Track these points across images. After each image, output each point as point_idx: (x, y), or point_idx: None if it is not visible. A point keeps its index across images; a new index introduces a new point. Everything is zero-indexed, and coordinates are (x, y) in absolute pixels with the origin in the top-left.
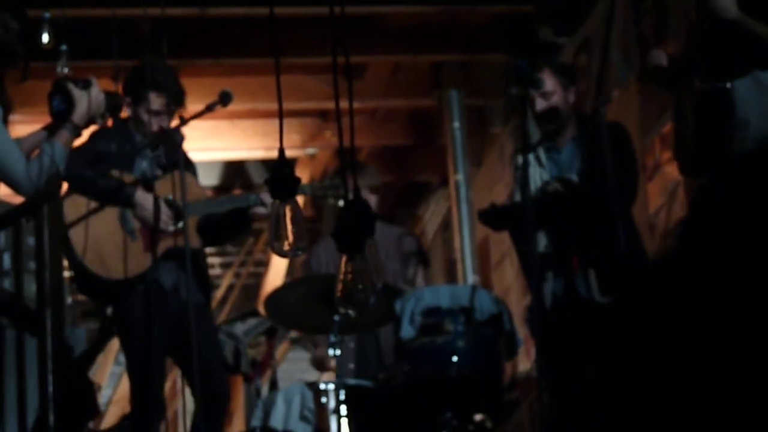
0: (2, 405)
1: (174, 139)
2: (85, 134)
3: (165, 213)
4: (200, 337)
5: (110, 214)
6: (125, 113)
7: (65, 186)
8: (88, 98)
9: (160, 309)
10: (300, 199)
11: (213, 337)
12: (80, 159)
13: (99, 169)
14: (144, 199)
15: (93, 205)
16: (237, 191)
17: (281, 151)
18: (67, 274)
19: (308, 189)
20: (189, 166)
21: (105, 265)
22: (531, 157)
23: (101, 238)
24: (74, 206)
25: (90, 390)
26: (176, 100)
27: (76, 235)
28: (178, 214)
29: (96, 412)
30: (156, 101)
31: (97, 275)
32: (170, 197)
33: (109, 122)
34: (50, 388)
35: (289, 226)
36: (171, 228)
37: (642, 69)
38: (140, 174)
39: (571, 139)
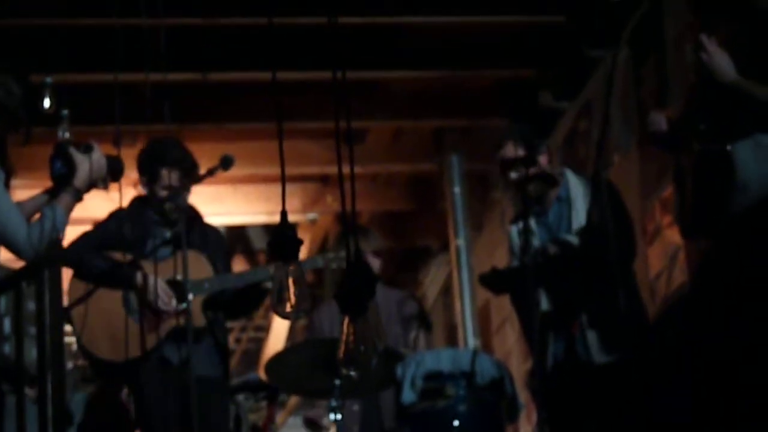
0: None
1: (187, 215)
2: (91, 202)
3: (167, 294)
4: (209, 411)
5: (114, 295)
6: (142, 191)
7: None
8: (89, 162)
9: (169, 384)
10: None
11: (223, 412)
12: (84, 242)
13: (105, 252)
14: (143, 280)
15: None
16: (242, 267)
17: (284, 212)
18: (68, 339)
19: (320, 261)
20: (207, 240)
21: (104, 347)
22: (515, 229)
23: (102, 319)
24: (77, 287)
25: (125, 407)
26: (191, 175)
27: (77, 316)
28: (181, 294)
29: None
30: (171, 177)
31: (94, 356)
32: (176, 277)
33: (115, 190)
34: None
35: (292, 288)
36: (172, 308)
37: (643, 131)
38: (149, 253)
39: (555, 199)
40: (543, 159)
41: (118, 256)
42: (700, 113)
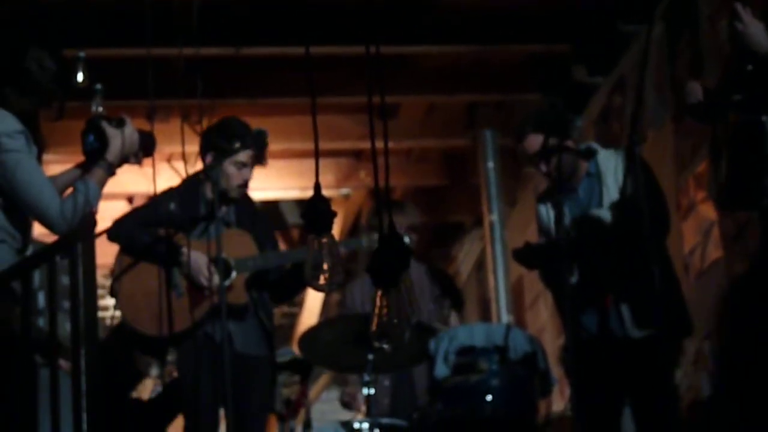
0: None
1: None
2: (123, 177)
3: (207, 270)
4: (250, 390)
5: (158, 271)
6: (177, 162)
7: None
8: (121, 137)
9: (212, 360)
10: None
11: (264, 393)
12: (133, 218)
13: (152, 228)
14: (189, 257)
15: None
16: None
17: (317, 185)
18: (108, 314)
19: (365, 242)
20: (254, 222)
21: (146, 322)
22: (544, 208)
23: (146, 295)
24: (123, 263)
25: (132, 359)
26: (261, 154)
27: (122, 290)
28: (226, 271)
29: (139, 380)
30: (245, 154)
31: (138, 331)
32: (223, 255)
33: (178, 182)
34: (84, 427)
35: (326, 261)
36: (214, 285)
37: (679, 103)
38: (200, 233)
39: (585, 175)
40: (568, 141)
41: (166, 233)
42: (735, 84)
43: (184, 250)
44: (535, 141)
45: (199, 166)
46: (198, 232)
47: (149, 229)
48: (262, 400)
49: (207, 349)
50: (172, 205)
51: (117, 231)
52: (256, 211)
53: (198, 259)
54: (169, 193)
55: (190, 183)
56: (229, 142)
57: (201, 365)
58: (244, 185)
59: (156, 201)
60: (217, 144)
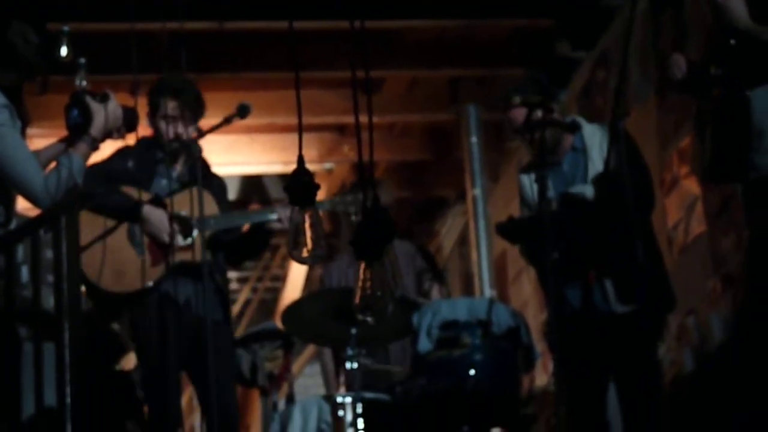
0: (20, 417)
1: (191, 151)
2: (107, 152)
3: (169, 227)
4: (214, 354)
5: (119, 228)
6: (149, 130)
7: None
8: (105, 112)
9: (174, 322)
10: None
11: (227, 355)
12: (92, 175)
13: (111, 185)
14: (151, 214)
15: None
16: (254, 206)
17: (300, 157)
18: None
19: (328, 204)
20: (211, 183)
21: (107, 278)
22: (527, 179)
23: (108, 252)
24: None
25: (116, 331)
26: (190, 105)
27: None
28: (186, 229)
29: (123, 353)
30: (169, 106)
31: (99, 288)
32: (182, 213)
33: (132, 141)
34: (68, 400)
35: (308, 233)
36: (179, 243)
37: (663, 77)
38: (157, 190)
39: (570, 149)
40: (555, 116)
41: (125, 190)
42: (717, 59)
43: (146, 207)
44: (519, 113)
45: None
46: (155, 190)
47: (109, 185)
48: (227, 364)
49: (166, 310)
50: (130, 163)
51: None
52: (211, 174)
53: (159, 215)
54: (125, 150)
55: (146, 143)
56: (152, 96)
57: (159, 325)
58: (176, 139)
59: (113, 158)
60: (149, 100)
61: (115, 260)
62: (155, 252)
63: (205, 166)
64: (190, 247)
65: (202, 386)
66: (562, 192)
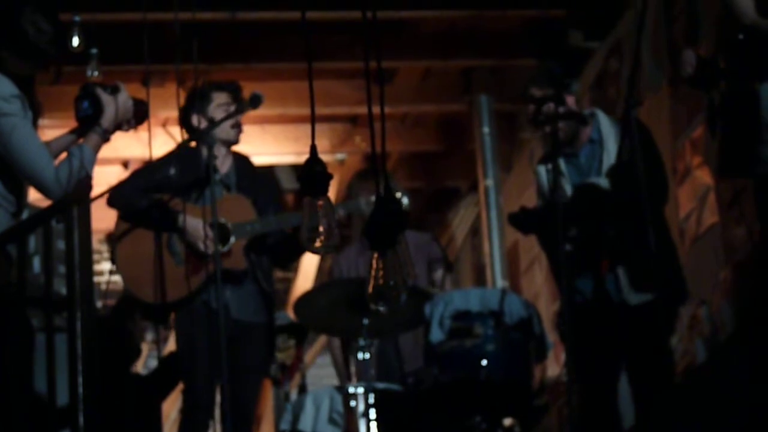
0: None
1: (207, 141)
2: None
3: (208, 236)
4: (246, 356)
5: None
6: (172, 127)
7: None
8: (115, 104)
9: (210, 327)
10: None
11: (261, 360)
12: (132, 183)
13: (150, 194)
14: (188, 223)
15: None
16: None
17: (313, 147)
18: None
19: (363, 204)
20: (255, 184)
21: (146, 289)
22: (543, 170)
23: (146, 262)
24: (122, 229)
25: (131, 334)
26: (237, 95)
27: (121, 260)
28: (223, 236)
29: (138, 355)
30: (220, 96)
31: (138, 298)
32: (220, 220)
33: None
34: (80, 390)
35: (322, 223)
36: (213, 251)
37: (675, 68)
38: (196, 197)
39: (587, 141)
40: (570, 100)
41: (165, 198)
42: (726, 53)
43: (181, 216)
44: (538, 93)
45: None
46: (196, 197)
47: (148, 194)
48: (257, 367)
49: (204, 318)
50: (172, 170)
51: (116, 196)
52: (257, 174)
53: (195, 224)
54: (168, 157)
55: (188, 147)
56: (203, 94)
57: (198, 334)
58: (238, 126)
59: (154, 165)
60: (194, 103)
61: (154, 270)
62: (193, 261)
63: (250, 167)
64: (229, 253)
65: (230, 382)
66: (577, 183)
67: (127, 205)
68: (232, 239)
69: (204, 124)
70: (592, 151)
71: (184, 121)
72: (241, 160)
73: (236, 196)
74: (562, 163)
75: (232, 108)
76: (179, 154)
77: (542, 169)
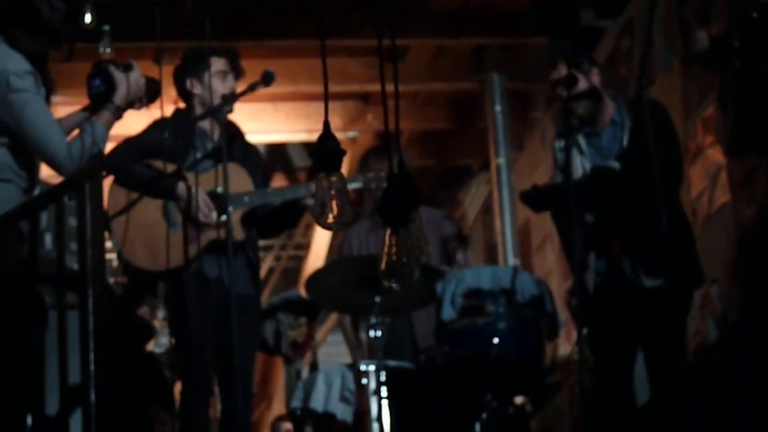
0: (43, 383)
1: (219, 117)
2: (128, 121)
3: (207, 205)
4: (242, 329)
5: (154, 205)
6: (183, 104)
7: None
8: (127, 81)
9: (205, 297)
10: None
11: (254, 332)
12: (127, 150)
13: (145, 160)
14: (186, 191)
15: (134, 196)
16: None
17: (326, 123)
18: (111, 255)
19: (359, 180)
20: (247, 156)
21: (143, 256)
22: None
23: (142, 229)
24: (117, 196)
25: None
26: (235, 64)
27: (117, 225)
28: (221, 206)
29: (152, 335)
30: (218, 63)
31: (134, 265)
32: (217, 189)
33: (169, 112)
34: (92, 367)
35: (334, 199)
36: (213, 220)
37: (687, 47)
38: (191, 165)
39: (610, 122)
40: (594, 77)
41: (159, 165)
42: (740, 31)
43: (180, 184)
44: (563, 69)
45: None
46: (188, 165)
47: (144, 160)
48: (252, 338)
49: (197, 288)
50: (166, 134)
51: (111, 161)
52: (248, 145)
53: (195, 192)
54: (161, 122)
55: (181, 113)
56: (200, 58)
57: (191, 306)
58: (232, 95)
59: (148, 131)
60: (191, 68)
61: (149, 237)
62: (190, 230)
63: (241, 137)
64: (224, 224)
65: (226, 356)
66: (593, 166)
67: (124, 169)
68: (230, 209)
69: (198, 89)
70: (614, 134)
71: (177, 83)
72: (232, 129)
73: (234, 166)
74: (582, 142)
75: (230, 76)
76: (171, 119)
77: (559, 145)
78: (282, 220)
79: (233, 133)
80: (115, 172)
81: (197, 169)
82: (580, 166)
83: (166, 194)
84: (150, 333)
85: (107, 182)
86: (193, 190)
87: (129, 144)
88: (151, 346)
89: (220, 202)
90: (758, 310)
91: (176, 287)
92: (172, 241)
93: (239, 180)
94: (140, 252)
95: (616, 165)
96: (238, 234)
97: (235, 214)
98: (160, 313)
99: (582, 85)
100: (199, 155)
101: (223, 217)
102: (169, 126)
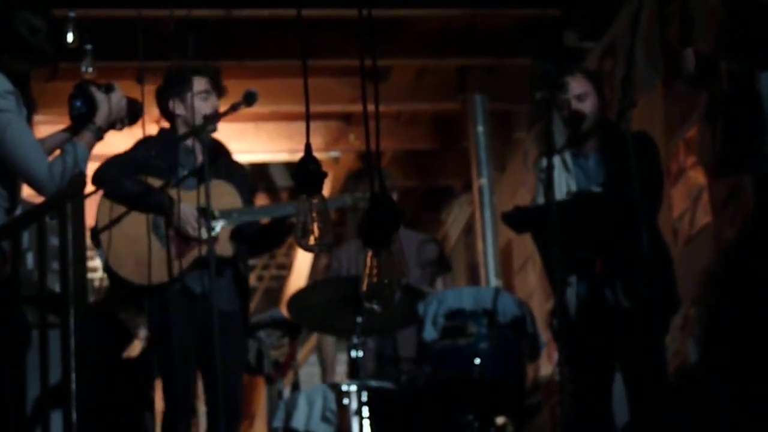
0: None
1: (202, 136)
2: (110, 142)
3: (196, 220)
4: (227, 346)
5: (142, 219)
6: (167, 124)
7: (100, 191)
8: (109, 102)
9: (189, 314)
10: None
11: (240, 348)
12: (118, 165)
13: (135, 176)
14: (175, 206)
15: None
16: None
17: (308, 145)
18: (98, 275)
19: (348, 199)
20: (234, 173)
21: (130, 269)
22: (557, 161)
23: (131, 242)
24: (106, 210)
25: (122, 321)
26: (217, 83)
27: (105, 237)
28: (209, 222)
29: (130, 341)
30: (200, 83)
31: (122, 278)
32: (205, 205)
33: (155, 131)
34: (73, 386)
35: (316, 221)
36: (200, 236)
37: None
38: (178, 182)
39: (598, 149)
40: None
41: (149, 181)
42: (727, 49)
43: (169, 198)
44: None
45: None
46: (175, 181)
47: (134, 176)
48: (237, 355)
49: (182, 305)
50: (153, 152)
51: (103, 175)
52: (234, 163)
53: (186, 209)
54: (148, 140)
55: (166, 132)
56: (182, 79)
57: (177, 319)
58: (215, 115)
59: (135, 148)
60: (173, 89)
61: (138, 251)
62: (179, 244)
63: (227, 155)
64: (217, 240)
65: (210, 374)
66: (577, 190)
67: (114, 184)
68: (220, 224)
69: (180, 110)
70: (602, 161)
71: (159, 104)
72: (219, 147)
73: (221, 184)
74: (569, 159)
75: (212, 95)
76: (157, 138)
77: (545, 163)
78: (269, 239)
79: (220, 151)
80: (107, 186)
81: (183, 186)
82: (564, 183)
83: (155, 209)
84: (128, 337)
85: (97, 196)
86: (181, 206)
87: (119, 160)
88: (132, 352)
89: (208, 218)
90: (738, 331)
91: (161, 302)
92: (159, 256)
93: (228, 197)
94: (128, 264)
95: (598, 190)
96: (228, 250)
97: (224, 231)
98: (142, 333)
99: (576, 105)
100: (185, 172)
101: (214, 232)
102: (155, 144)
